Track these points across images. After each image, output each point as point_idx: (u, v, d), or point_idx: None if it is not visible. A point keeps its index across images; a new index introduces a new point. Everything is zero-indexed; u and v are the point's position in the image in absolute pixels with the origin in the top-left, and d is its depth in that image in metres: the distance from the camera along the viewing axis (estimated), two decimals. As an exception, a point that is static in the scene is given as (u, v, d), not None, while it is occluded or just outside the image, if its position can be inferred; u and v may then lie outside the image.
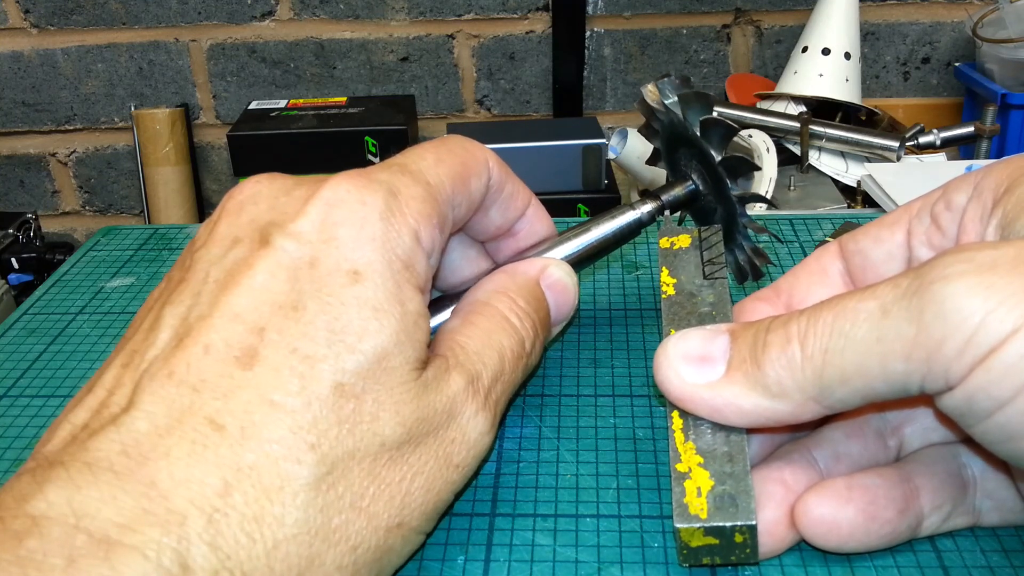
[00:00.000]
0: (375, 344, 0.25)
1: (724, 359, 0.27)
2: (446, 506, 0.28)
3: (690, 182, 0.37)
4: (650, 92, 0.37)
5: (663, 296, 0.33)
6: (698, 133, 0.35)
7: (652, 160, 0.41)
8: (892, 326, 0.23)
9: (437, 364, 0.28)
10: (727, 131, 0.35)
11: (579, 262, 0.36)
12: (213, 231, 0.28)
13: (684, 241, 0.35)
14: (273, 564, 0.23)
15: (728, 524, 0.26)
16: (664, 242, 0.36)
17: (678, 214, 0.38)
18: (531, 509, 0.30)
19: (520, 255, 0.35)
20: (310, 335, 0.25)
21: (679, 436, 0.28)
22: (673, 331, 0.31)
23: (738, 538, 0.26)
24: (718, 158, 0.35)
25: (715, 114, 0.35)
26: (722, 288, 0.33)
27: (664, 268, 0.34)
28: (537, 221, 0.35)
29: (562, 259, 0.35)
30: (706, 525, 0.26)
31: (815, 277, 0.32)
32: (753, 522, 0.26)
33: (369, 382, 0.25)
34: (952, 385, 0.23)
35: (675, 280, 0.34)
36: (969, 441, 0.28)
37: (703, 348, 0.28)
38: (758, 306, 0.32)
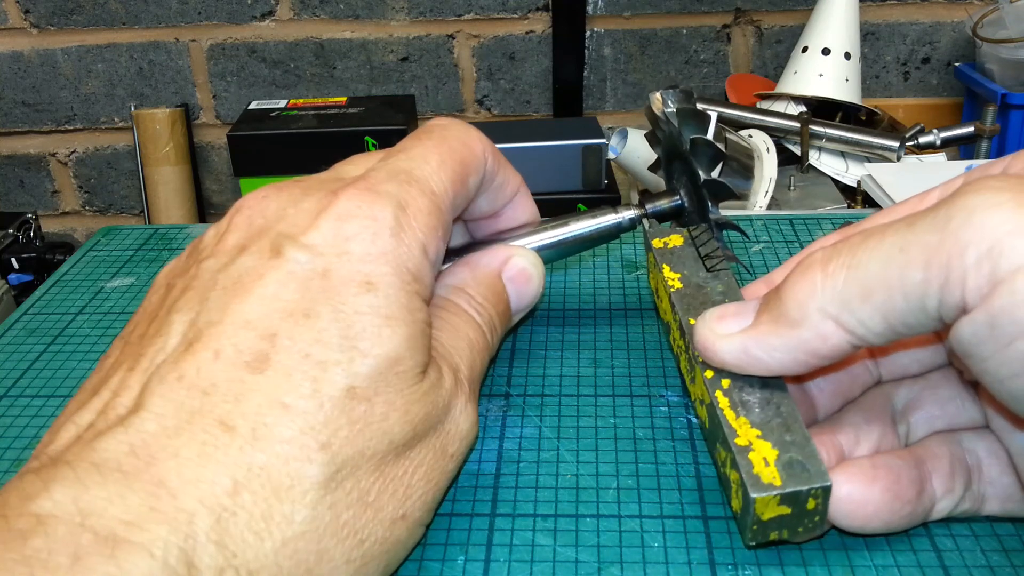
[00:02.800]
0: (387, 350, 0.26)
1: (755, 312, 0.28)
2: (443, 495, 0.29)
3: (677, 197, 0.38)
4: (656, 100, 0.37)
5: (672, 290, 0.33)
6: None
7: (654, 167, 0.41)
8: (916, 235, 0.23)
9: (433, 364, 0.28)
10: (715, 154, 0.35)
11: (550, 253, 0.37)
12: (221, 241, 0.28)
13: (676, 240, 0.36)
14: (281, 562, 0.23)
15: (804, 488, 0.26)
16: (657, 242, 0.36)
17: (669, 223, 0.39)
18: (531, 509, 0.30)
19: (497, 235, 0.36)
20: (323, 341, 0.25)
21: (729, 414, 0.28)
22: (692, 320, 0.31)
23: (811, 504, 0.26)
24: (703, 179, 0.35)
25: (709, 134, 0.35)
26: (728, 278, 0.34)
27: (664, 265, 0.35)
28: (521, 208, 0.36)
29: (533, 248, 0.36)
30: (783, 492, 0.25)
31: None
32: (828, 483, 0.26)
33: (380, 385, 0.26)
34: (969, 305, 0.22)
35: (679, 275, 0.34)
36: (972, 429, 0.29)
37: (737, 308, 0.29)
38: (759, 288, 0.33)
